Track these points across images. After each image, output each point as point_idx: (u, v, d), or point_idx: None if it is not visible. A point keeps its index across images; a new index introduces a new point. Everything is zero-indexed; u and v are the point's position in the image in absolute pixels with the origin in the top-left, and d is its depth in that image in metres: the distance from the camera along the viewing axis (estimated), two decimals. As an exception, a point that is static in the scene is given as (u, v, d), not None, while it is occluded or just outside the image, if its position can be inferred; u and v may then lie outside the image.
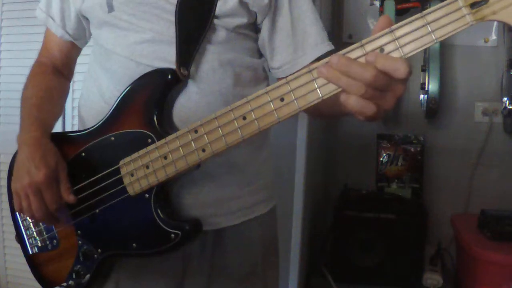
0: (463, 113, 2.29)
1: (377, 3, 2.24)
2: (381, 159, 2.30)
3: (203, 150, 0.81)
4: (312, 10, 1.00)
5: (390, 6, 2.02)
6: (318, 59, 0.98)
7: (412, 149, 2.28)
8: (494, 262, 1.78)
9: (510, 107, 2.09)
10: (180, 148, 0.83)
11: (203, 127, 0.80)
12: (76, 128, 1.53)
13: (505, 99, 2.12)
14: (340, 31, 2.32)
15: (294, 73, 0.73)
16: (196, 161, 0.82)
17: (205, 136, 0.80)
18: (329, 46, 1.00)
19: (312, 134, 1.84)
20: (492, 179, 2.25)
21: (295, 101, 0.73)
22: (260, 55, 1.04)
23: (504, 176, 2.22)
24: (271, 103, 0.74)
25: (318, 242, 2.18)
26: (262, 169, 1.05)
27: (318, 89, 0.71)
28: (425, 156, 2.29)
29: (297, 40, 0.98)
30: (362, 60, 0.66)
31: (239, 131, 0.77)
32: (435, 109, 2.18)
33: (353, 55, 0.67)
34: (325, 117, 0.90)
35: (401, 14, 2.12)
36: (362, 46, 0.67)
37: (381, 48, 0.66)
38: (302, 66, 0.98)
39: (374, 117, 0.67)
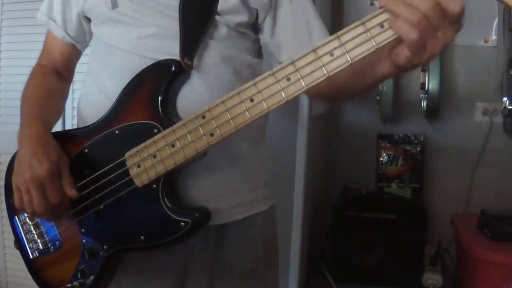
0: (463, 113, 2.29)
1: (377, 3, 2.24)
2: (381, 159, 2.31)
3: (211, 135, 0.82)
4: (312, 7, 1.03)
5: (390, 6, 2.02)
6: None
7: (412, 149, 2.28)
8: (494, 262, 1.78)
9: (510, 107, 2.09)
10: (188, 135, 0.84)
11: (210, 112, 0.81)
12: (76, 129, 1.49)
13: (505, 99, 2.12)
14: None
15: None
16: (204, 146, 0.83)
17: (213, 120, 0.81)
18: None
19: (312, 134, 1.84)
20: (492, 179, 2.25)
21: (301, 79, 0.75)
22: (259, 55, 1.06)
23: (504, 176, 2.22)
24: (278, 83, 0.76)
25: (318, 242, 2.18)
26: (262, 167, 1.06)
27: (323, 67, 0.73)
28: (425, 156, 2.29)
29: (302, 34, 1.00)
30: None
31: (247, 113, 0.79)
32: (435, 109, 2.18)
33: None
34: (346, 93, 0.94)
35: (401, 14, 2.12)
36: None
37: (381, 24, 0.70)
38: None
39: (419, 52, 0.68)
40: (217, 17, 0.95)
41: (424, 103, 2.21)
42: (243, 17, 0.97)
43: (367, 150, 2.35)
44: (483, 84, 2.26)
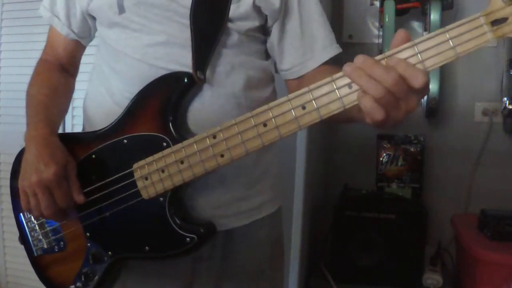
0: (463, 113, 2.28)
1: (377, 3, 2.24)
2: (381, 159, 2.30)
3: (222, 156, 0.81)
4: (321, 13, 1.01)
5: (390, 6, 2.02)
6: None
7: (412, 149, 2.28)
8: (494, 262, 1.77)
9: (510, 107, 2.09)
10: (198, 153, 0.82)
11: (222, 133, 0.80)
12: (76, 129, 1.51)
13: (505, 99, 2.12)
14: (340, 31, 2.31)
15: (310, 75, 0.73)
16: (214, 167, 0.82)
17: (224, 142, 0.80)
18: (337, 49, 1.01)
19: (312, 134, 1.84)
20: (492, 179, 2.24)
21: (317, 109, 0.73)
22: (268, 56, 1.05)
23: (504, 176, 2.22)
24: (292, 111, 0.74)
25: (318, 242, 2.18)
26: (270, 168, 1.06)
27: (341, 99, 0.71)
28: (425, 156, 2.29)
29: (306, 43, 0.99)
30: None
31: (259, 138, 0.77)
32: (435, 109, 2.18)
33: None
34: (332, 122, 0.93)
35: (401, 14, 2.12)
36: (384, 58, 0.68)
37: None
38: (311, 68, 0.99)
39: (382, 124, 0.68)
40: (229, 24, 0.93)
41: (424, 103, 2.21)
42: (254, 23, 0.96)
43: (367, 150, 2.35)
44: (483, 84, 2.25)
